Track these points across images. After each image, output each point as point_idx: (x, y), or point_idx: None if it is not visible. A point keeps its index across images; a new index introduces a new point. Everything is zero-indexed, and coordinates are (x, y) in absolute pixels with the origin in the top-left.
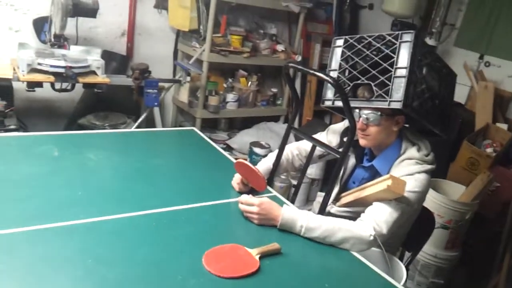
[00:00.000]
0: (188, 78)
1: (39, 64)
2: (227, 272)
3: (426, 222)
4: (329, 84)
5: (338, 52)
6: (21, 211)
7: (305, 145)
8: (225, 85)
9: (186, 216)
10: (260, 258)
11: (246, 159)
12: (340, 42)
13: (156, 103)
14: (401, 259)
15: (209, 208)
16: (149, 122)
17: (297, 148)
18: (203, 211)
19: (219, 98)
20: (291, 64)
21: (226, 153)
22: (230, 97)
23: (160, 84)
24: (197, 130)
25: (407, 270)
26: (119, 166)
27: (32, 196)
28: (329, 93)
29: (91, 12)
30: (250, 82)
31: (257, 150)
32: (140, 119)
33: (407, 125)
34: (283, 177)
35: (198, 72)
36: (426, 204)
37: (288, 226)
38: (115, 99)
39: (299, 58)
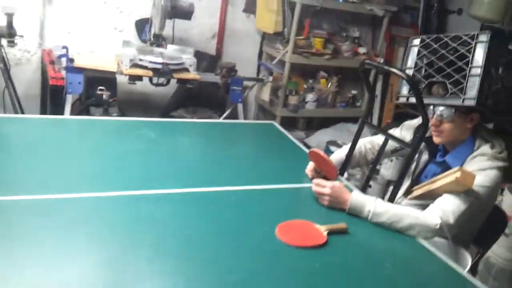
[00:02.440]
0: (271, 78)
1: (140, 60)
2: (296, 242)
3: (496, 221)
4: (404, 81)
5: (414, 51)
6: (122, 179)
7: (378, 139)
8: (305, 86)
9: (262, 195)
10: (327, 234)
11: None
12: (416, 41)
13: (240, 100)
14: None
15: (283, 190)
16: (233, 117)
17: (370, 142)
18: (277, 192)
19: (299, 98)
20: (367, 61)
21: (302, 146)
22: (310, 97)
23: (245, 82)
24: (276, 124)
25: (476, 266)
26: (205, 149)
27: (132, 167)
28: (404, 89)
29: (187, 14)
30: (330, 83)
31: (333, 149)
32: (225, 114)
33: (482, 123)
34: (358, 176)
35: (280, 72)
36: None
37: (356, 210)
38: (203, 95)
39: (381, 60)
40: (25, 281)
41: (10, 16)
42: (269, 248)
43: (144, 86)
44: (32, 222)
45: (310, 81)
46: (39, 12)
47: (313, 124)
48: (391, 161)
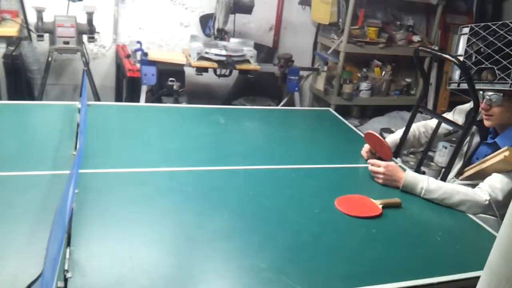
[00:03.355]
0: (325, 68)
1: (206, 53)
2: (354, 212)
3: None
4: (455, 67)
5: (464, 38)
6: (199, 156)
7: (432, 123)
8: (359, 75)
9: (320, 173)
10: (382, 208)
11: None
12: (466, 30)
13: (296, 88)
14: None
15: (340, 169)
16: (290, 106)
17: (424, 126)
18: (335, 171)
19: (353, 86)
20: (421, 48)
21: (357, 130)
22: (364, 85)
23: (301, 72)
24: (332, 110)
25: None
26: (269, 132)
27: (206, 147)
28: (456, 75)
29: (248, 9)
30: (384, 72)
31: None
32: (282, 102)
33: None
34: (412, 163)
35: (335, 61)
36: None
37: (410, 188)
38: (261, 85)
39: (436, 48)
40: (124, 235)
41: (90, 15)
42: (330, 217)
43: (208, 77)
44: (126, 191)
45: (364, 70)
46: (113, 11)
47: (367, 113)
48: (445, 148)
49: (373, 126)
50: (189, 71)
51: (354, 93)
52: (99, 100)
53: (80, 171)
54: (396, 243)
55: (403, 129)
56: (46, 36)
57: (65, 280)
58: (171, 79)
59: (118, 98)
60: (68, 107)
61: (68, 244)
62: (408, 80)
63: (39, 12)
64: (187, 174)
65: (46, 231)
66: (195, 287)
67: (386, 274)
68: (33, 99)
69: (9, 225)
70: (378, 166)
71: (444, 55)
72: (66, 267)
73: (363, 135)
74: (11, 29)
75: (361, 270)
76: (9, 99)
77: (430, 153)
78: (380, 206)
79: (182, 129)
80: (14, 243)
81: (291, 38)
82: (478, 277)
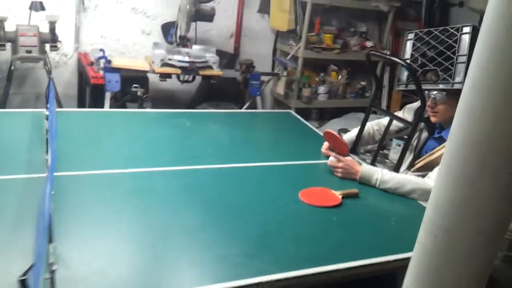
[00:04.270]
0: (285, 73)
1: (169, 59)
2: (317, 202)
3: None
4: (403, 69)
5: (410, 43)
6: (168, 157)
7: (384, 121)
8: (317, 79)
9: (284, 169)
10: (342, 198)
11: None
12: (411, 35)
13: (258, 93)
14: None
15: (302, 166)
16: (252, 109)
17: (377, 124)
18: (297, 167)
19: (312, 90)
20: (372, 52)
21: (317, 130)
22: (322, 89)
23: (262, 77)
24: (293, 112)
25: None
26: (233, 134)
27: (174, 148)
28: (404, 76)
29: (209, 17)
30: (340, 76)
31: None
32: (245, 106)
33: None
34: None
35: (294, 67)
36: None
37: (366, 179)
38: (223, 90)
39: (387, 53)
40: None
41: (52, 24)
42: (294, 207)
43: (171, 83)
44: (98, 191)
45: (322, 74)
46: (74, 19)
47: (325, 115)
48: (399, 146)
49: (331, 127)
50: (152, 78)
51: (313, 96)
52: (61, 107)
53: (54, 174)
54: (355, 228)
55: (359, 127)
56: (8, 45)
57: (51, 272)
58: (135, 85)
59: (81, 106)
60: (35, 114)
61: (50, 240)
62: (363, 83)
63: (1, 21)
64: (156, 175)
65: (25, 230)
66: (171, 274)
67: (347, 255)
68: None
69: None
70: (338, 161)
71: (392, 58)
72: (51, 261)
73: (322, 135)
74: None
75: (324, 252)
76: None
77: (385, 151)
78: (340, 197)
79: (149, 132)
80: None
81: (251, 45)
82: None
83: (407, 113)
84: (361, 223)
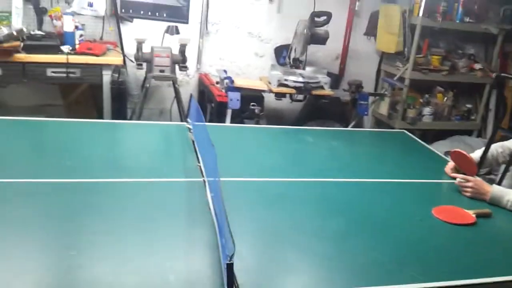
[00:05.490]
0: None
1: (285, 80)
2: (452, 220)
3: None
4: None
5: None
6: (305, 168)
7: (509, 144)
8: (421, 100)
9: (411, 187)
10: (476, 216)
11: None
12: None
13: (366, 113)
14: None
15: (428, 184)
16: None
17: (501, 146)
18: (424, 185)
19: (416, 111)
20: (503, 74)
21: (435, 150)
22: (427, 110)
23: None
24: (407, 132)
25: None
26: (353, 151)
27: (304, 161)
28: None
29: (323, 40)
30: (446, 98)
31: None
32: (351, 125)
33: None
34: None
35: (401, 87)
36: None
37: (497, 200)
38: (328, 109)
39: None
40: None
41: (183, 46)
42: (429, 223)
43: (280, 102)
44: (248, 196)
45: (427, 95)
46: (198, 42)
47: (428, 136)
48: None
49: (436, 149)
50: (267, 97)
51: (417, 118)
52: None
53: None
54: (494, 246)
55: (482, 148)
56: (143, 64)
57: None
58: (252, 103)
59: None
60: (178, 127)
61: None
62: (469, 105)
63: (140, 43)
64: (293, 184)
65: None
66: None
67: (492, 270)
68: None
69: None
70: (467, 181)
71: None
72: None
73: (440, 155)
74: (117, 58)
75: (467, 266)
76: (113, 119)
77: (491, 176)
78: (473, 215)
79: (280, 146)
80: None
81: (355, 66)
82: None
83: None
84: (499, 242)
